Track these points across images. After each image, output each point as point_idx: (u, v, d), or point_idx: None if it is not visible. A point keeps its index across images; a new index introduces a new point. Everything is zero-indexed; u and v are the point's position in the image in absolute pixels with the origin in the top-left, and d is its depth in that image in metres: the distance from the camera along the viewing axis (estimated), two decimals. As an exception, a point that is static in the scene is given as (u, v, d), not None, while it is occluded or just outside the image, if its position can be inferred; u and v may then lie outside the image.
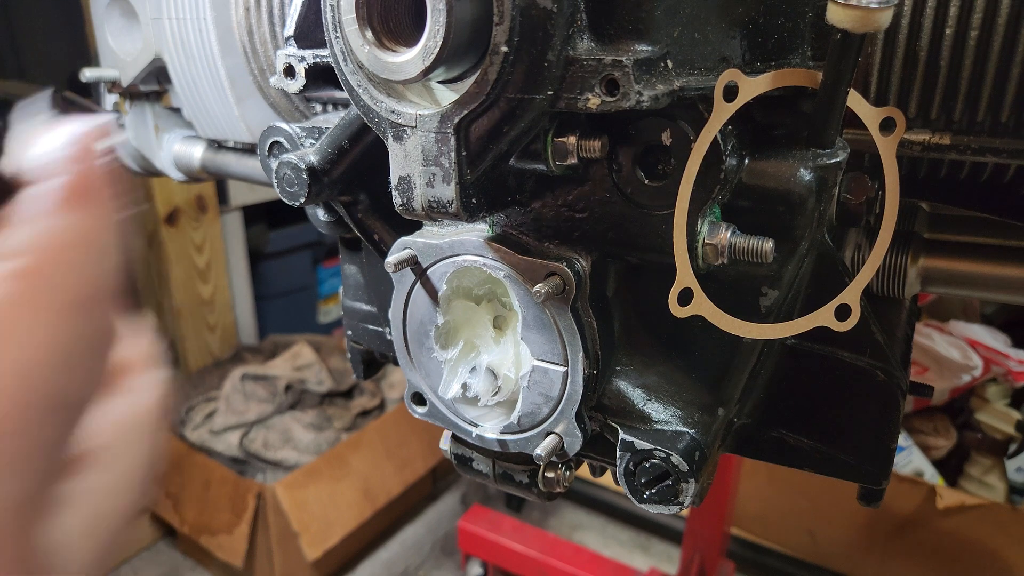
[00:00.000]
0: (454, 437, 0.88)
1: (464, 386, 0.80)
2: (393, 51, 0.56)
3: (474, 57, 0.55)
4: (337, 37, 0.59)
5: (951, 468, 2.74)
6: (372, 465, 3.15)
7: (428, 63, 0.53)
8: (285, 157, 0.78)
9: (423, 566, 3.12)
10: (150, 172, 1.45)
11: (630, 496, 0.72)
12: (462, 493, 3.50)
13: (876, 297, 0.84)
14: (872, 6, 0.51)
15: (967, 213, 0.88)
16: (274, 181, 0.80)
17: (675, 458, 0.69)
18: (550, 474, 0.83)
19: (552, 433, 0.76)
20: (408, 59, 0.54)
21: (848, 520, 2.68)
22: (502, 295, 0.79)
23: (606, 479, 0.91)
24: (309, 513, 2.91)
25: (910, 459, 2.66)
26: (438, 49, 0.52)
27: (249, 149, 1.32)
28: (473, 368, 0.80)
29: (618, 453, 0.73)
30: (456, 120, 0.57)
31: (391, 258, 0.76)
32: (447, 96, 0.60)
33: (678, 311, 0.65)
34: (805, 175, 0.63)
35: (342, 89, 0.63)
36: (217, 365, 3.60)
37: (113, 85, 1.36)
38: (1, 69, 2.32)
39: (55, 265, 0.40)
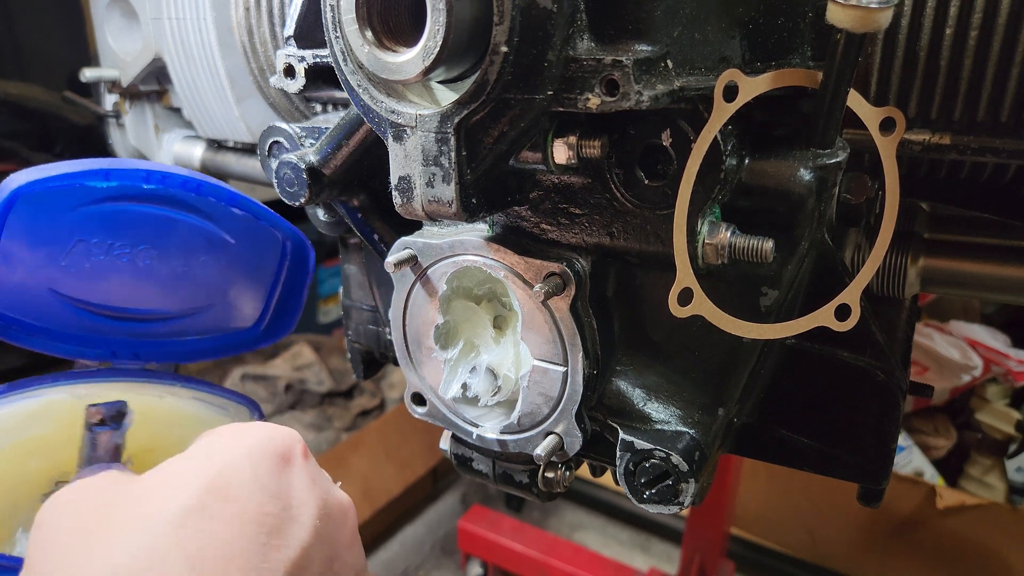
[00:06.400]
0: (454, 437, 0.88)
1: (464, 386, 0.80)
2: (393, 51, 0.56)
3: (474, 57, 0.55)
4: (337, 37, 0.59)
5: (951, 468, 2.73)
6: (372, 465, 3.15)
7: (428, 63, 0.53)
8: (285, 157, 0.78)
9: (423, 566, 3.12)
10: (150, 172, 1.44)
11: (630, 496, 0.72)
12: (462, 493, 3.50)
13: (876, 297, 0.84)
14: (872, 6, 0.51)
15: (967, 213, 0.88)
16: (274, 181, 0.80)
17: (675, 458, 0.69)
18: (550, 474, 0.83)
19: (552, 433, 0.76)
20: (408, 59, 0.54)
21: (848, 520, 2.67)
22: (502, 295, 0.79)
23: (606, 479, 0.91)
24: (309, 513, 2.89)
25: (910, 459, 2.66)
26: (438, 49, 0.52)
27: (249, 149, 1.32)
28: (473, 368, 0.80)
29: (618, 453, 0.73)
30: (456, 120, 0.57)
31: (391, 258, 0.76)
32: (447, 96, 0.60)
33: (678, 311, 0.65)
34: (805, 175, 0.63)
35: (342, 89, 0.63)
36: (217, 365, 3.59)
37: (113, 85, 1.36)
38: (1, 69, 2.32)
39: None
